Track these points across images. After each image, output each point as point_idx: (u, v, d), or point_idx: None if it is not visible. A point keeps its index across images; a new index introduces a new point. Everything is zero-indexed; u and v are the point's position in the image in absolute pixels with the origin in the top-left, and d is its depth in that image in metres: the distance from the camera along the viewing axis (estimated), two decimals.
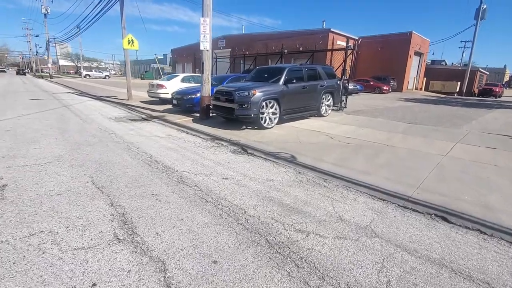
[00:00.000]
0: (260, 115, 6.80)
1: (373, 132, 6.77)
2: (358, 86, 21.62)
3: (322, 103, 8.77)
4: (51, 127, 6.52)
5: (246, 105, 6.57)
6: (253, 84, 7.25)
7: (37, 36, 52.25)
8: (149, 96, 12.53)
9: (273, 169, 4.13)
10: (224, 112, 7.08)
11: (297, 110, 7.82)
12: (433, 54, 32.76)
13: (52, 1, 37.44)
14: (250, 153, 4.96)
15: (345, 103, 10.56)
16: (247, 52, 23.78)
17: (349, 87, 20.61)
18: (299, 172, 4.00)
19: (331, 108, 9.23)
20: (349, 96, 20.21)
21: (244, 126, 7.32)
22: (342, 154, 4.90)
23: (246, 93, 6.58)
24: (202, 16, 7.81)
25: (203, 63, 8.09)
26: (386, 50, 27.42)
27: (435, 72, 32.24)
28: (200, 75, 8.36)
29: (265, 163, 4.43)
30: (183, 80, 12.21)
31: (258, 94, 6.64)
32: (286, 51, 12.30)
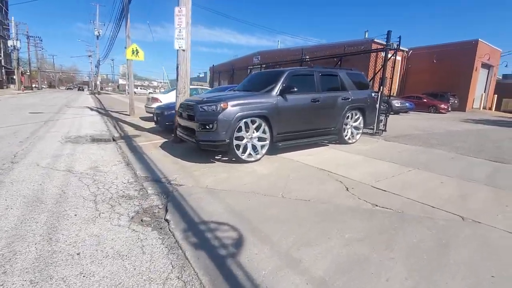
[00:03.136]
0: (235, 142, 4.33)
1: (430, 179, 3.81)
2: (407, 104, 17.89)
3: (346, 124, 5.97)
4: None
5: (210, 126, 4.18)
6: (230, 94, 4.86)
7: (89, 56, 56.92)
8: (146, 111, 10.98)
9: None
10: (187, 134, 4.76)
11: (302, 134, 5.16)
12: (506, 66, 26.91)
13: (104, 24, 40.28)
14: (167, 221, 2.50)
15: (385, 125, 7.54)
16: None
17: (395, 104, 17.08)
18: None
19: (361, 131, 6.35)
20: (397, 116, 16.60)
21: (219, 156, 4.91)
22: (354, 240, 2.17)
23: (213, 107, 4.21)
24: (178, 5, 5.80)
25: (177, 66, 5.99)
26: (444, 63, 23.13)
27: (509, 88, 26.46)
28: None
29: (158, 262, 1.92)
30: None
31: (231, 108, 4.21)
32: (307, 57, 9.78)
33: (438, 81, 23.28)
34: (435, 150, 5.85)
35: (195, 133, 4.35)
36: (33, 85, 62.99)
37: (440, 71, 23.26)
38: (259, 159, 4.62)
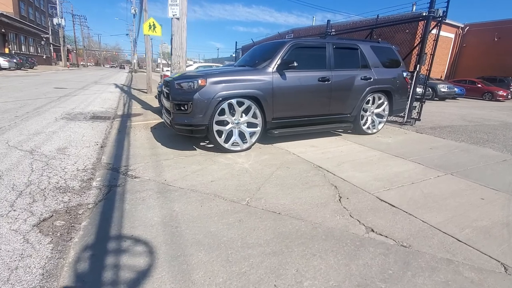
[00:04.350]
0: (216, 127, 3.60)
1: (465, 192, 2.77)
2: (456, 89, 15.54)
3: (365, 111, 4.90)
4: None
5: (185, 106, 3.48)
6: (216, 69, 4.08)
7: (126, 34, 58.49)
8: (158, 89, 10.68)
9: None
10: (167, 115, 4.12)
11: (305, 121, 4.25)
12: None
13: (141, 2, 40.56)
14: (80, 230, 1.92)
15: (419, 112, 6.23)
16: None
17: (441, 89, 14.87)
18: None
19: (384, 120, 5.22)
20: (442, 102, 14.47)
21: (206, 142, 4.25)
22: None
23: (190, 84, 3.48)
24: None
25: (171, 37, 5.31)
26: (507, 42, 19.64)
27: None
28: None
29: None
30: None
31: (211, 86, 3.45)
32: (333, 30, 8.47)
33: (499, 64, 19.99)
34: (481, 148, 4.59)
35: (171, 115, 3.69)
36: (81, 63, 67.22)
37: (501, 51, 19.89)
38: (247, 148, 3.86)
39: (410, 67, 6.03)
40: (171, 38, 5.31)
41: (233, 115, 3.69)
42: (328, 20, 8.38)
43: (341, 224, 2.07)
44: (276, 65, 3.83)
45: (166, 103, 4.00)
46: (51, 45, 51.57)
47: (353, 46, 4.60)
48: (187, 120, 3.50)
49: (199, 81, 3.41)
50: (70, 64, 52.58)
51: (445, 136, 5.37)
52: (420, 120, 6.21)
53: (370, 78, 4.61)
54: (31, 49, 40.90)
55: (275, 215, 2.18)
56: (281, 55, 3.90)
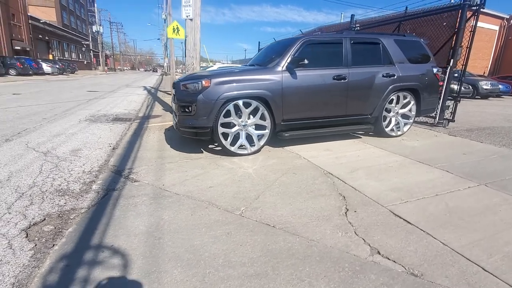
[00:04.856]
0: (222, 129, 3.46)
1: (499, 208, 2.35)
2: (500, 86, 14.05)
3: (388, 111, 4.48)
4: None
5: (189, 108, 3.38)
6: (225, 69, 3.94)
7: (158, 39, 61.04)
8: None
9: None
10: (174, 117, 4.06)
11: (319, 122, 3.96)
12: None
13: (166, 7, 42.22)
14: (64, 236, 1.87)
15: (453, 112, 5.60)
16: None
17: (483, 86, 13.50)
18: None
19: (410, 121, 4.73)
20: (484, 101, 13.15)
21: (214, 145, 4.14)
22: None
23: (194, 85, 3.37)
24: None
25: (185, 38, 5.28)
26: None
27: None
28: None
29: None
30: None
31: (215, 87, 3.31)
32: (357, 26, 7.98)
33: None
34: None
35: (177, 117, 3.62)
36: (118, 67, 71.47)
37: None
38: (255, 152, 3.67)
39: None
40: (185, 39, 5.29)
41: (239, 116, 3.53)
42: (352, 15, 7.93)
43: (342, 243, 1.81)
44: (286, 64, 3.60)
45: (173, 105, 3.94)
46: (91, 51, 55.38)
47: (373, 41, 4.21)
48: (191, 122, 3.40)
49: (203, 82, 3.29)
50: (108, 68, 56.07)
51: (483, 139, 4.75)
52: (454, 121, 5.58)
53: (394, 75, 4.19)
54: (73, 55, 44.18)
55: (269, 228, 1.97)
56: (291, 52, 3.66)
